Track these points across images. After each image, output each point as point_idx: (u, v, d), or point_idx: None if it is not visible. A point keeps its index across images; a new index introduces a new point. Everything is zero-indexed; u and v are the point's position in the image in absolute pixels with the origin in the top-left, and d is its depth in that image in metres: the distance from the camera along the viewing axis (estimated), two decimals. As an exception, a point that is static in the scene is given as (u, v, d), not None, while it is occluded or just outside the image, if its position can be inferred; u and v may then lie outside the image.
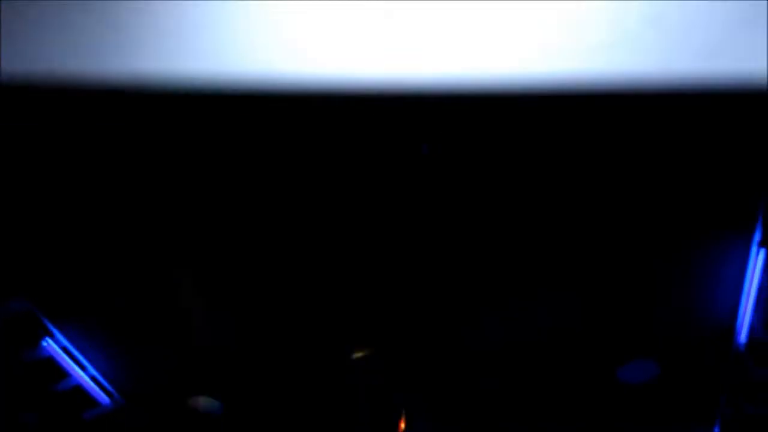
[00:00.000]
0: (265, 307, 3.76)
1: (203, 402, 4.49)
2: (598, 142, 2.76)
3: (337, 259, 3.45)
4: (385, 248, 3.33)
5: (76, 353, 4.15)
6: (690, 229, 3.15)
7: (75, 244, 3.45)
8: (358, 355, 1.85)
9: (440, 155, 2.72)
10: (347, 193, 3.05)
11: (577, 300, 3.57)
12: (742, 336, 3.49)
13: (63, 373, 4.09)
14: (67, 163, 3.02)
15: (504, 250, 3.30)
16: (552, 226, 3.16)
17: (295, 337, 3.96)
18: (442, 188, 2.89)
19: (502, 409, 4.38)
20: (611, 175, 2.89)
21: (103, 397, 4.36)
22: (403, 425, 1.86)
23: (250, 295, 3.69)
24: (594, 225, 3.14)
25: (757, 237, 3.12)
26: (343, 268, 3.49)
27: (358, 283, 3.56)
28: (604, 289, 3.50)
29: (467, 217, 3.13)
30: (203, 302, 3.77)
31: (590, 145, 2.77)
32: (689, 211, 3.08)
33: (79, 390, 4.20)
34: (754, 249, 3.17)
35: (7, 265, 3.66)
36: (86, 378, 4.23)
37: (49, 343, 3.98)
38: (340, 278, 3.55)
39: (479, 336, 3.79)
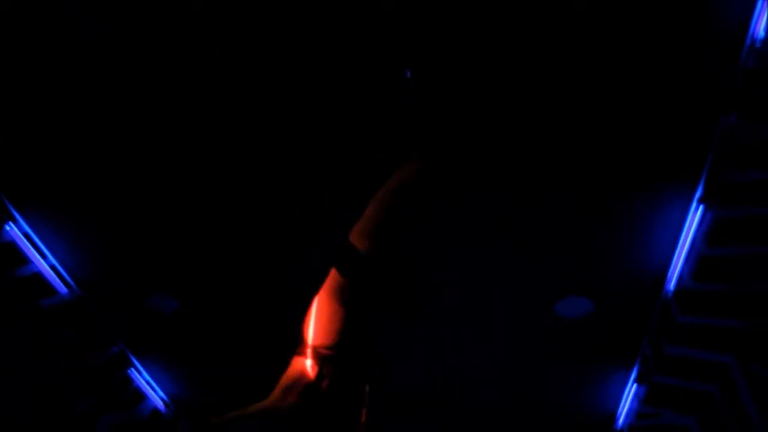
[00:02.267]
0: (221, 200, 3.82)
1: (158, 299, 4.61)
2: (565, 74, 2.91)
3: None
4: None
5: (37, 241, 4.21)
6: (635, 178, 3.36)
7: (42, 125, 3.46)
8: None
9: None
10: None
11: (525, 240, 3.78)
12: (671, 284, 3.77)
13: (24, 259, 4.16)
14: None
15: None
16: (514, 158, 3.32)
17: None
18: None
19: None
20: (566, 114, 3.05)
21: (61, 287, 4.45)
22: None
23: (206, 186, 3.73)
24: (543, 163, 3.30)
25: (698, 193, 3.35)
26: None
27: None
28: (552, 229, 3.71)
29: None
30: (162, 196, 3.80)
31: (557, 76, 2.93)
32: (635, 160, 3.27)
33: (39, 277, 4.28)
34: (693, 204, 3.41)
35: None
36: (46, 266, 4.31)
37: (12, 228, 4.03)
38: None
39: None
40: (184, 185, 3.75)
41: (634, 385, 4.67)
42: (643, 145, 3.24)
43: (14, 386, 4.29)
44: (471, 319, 4.37)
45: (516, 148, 3.25)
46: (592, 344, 4.48)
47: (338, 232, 2.39)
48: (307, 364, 2.04)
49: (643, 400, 4.57)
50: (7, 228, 3.99)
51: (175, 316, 4.68)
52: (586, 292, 4.08)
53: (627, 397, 4.85)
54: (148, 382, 5.47)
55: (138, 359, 5.30)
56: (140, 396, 5.42)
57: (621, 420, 5.06)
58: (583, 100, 3.02)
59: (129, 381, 5.27)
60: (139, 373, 5.36)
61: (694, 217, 3.43)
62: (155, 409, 5.62)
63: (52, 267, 4.35)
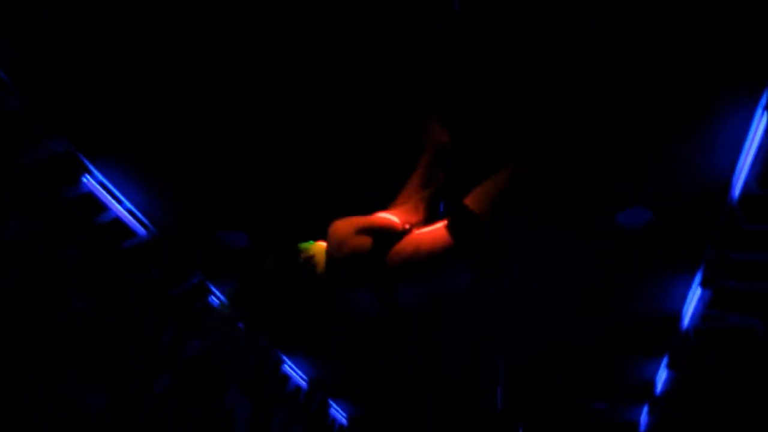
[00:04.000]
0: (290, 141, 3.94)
1: (231, 235, 4.86)
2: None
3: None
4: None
5: (113, 188, 4.45)
6: (698, 85, 3.26)
7: (109, 80, 3.60)
8: None
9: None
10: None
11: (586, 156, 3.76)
12: (737, 191, 3.71)
13: (102, 206, 4.43)
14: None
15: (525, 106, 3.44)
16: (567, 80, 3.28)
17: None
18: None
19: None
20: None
21: (139, 229, 4.73)
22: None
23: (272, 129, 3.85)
24: (603, 78, 3.24)
25: (763, 100, 3.23)
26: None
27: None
28: (610, 140, 3.67)
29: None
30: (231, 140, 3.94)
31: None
32: (696, 66, 3.16)
33: (118, 222, 4.56)
34: (758, 110, 3.30)
35: (43, 105, 3.85)
36: (123, 211, 4.58)
37: (88, 180, 4.27)
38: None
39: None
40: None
41: (699, 289, 4.70)
42: (706, 52, 3.12)
43: (109, 324, 4.68)
44: (538, 235, 4.44)
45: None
46: (656, 252, 4.49)
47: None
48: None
49: (708, 304, 4.60)
50: (84, 180, 4.23)
51: (246, 251, 4.93)
52: (648, 203, 4.06)
53: (692, 301, 4.89)
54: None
55: (217, 287, 5.64)
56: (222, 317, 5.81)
57: (686, 321, 5.12)
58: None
59: (211, 307, 5.65)
60: (220, 299, 5.72)
61: (759, 124, 3.32)
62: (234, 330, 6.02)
63: (129, 211, 4.62)
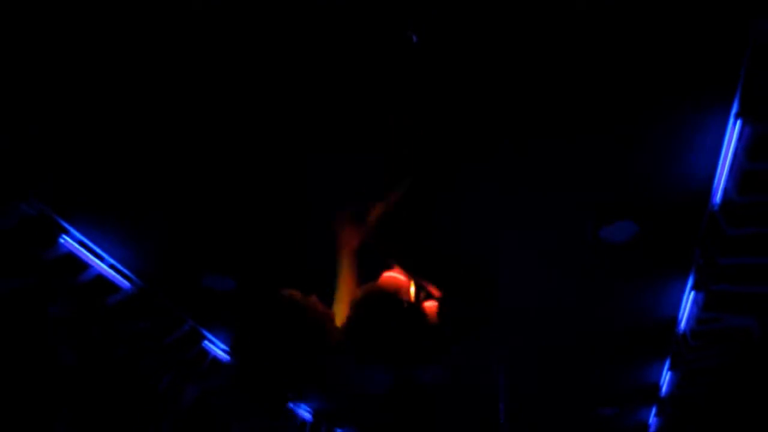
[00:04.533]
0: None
1: (216, 279, 4.81)
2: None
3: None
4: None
5: (93, 246, 4.41)
6: (669, 95, 3.22)
7: (77, 138, 3.56)
8: None
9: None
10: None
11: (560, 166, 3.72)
12: (717, 198, 3.68)
13: (83, 265, 4.38)
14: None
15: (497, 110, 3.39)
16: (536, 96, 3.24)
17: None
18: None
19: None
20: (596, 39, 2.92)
21: (123, 283, 4.68)
22: None
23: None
24: (577, 90, 3.20)
25: (734, 108, 3.20)
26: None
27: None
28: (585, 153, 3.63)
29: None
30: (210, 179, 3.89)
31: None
32: (669, 78, 3.13)
33: (101, 279, 4.51)
34: (731, 119, 3.27)
35: (13, 171, 3.81)
36: (105, 267, 4.53)
37: (66, 240, 4.23)
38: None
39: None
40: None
41: (692, 293, 4.66)
42: (673, 60, 3.08)
43: (98, 379, 4.62)
44: (519, 257, 4.41)
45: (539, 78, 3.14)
46: (644, 261, 4.46)
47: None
48: None
49: (702, 307, 4.56)
50: (62, 240, 4.19)
51: (233, 294, 4.88)
52: (630, 216, 4.03)
53: (686, 304, 4.85)
54: (225, 351, 5.79)
55: (209, 332, 5.60)
56: (218, 364, 5.76)
57: (682, 325, 5.08)
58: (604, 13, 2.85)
59: (205, 353, 5.59)
60: (213, 343, 5.67)
61: (733, 132, 3.30)
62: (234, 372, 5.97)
63: (111, 266, 4.57)
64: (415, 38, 2.93)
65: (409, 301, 2.04)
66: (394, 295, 2.04)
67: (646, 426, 7.43)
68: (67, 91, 3.30)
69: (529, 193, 3.91)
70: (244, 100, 3.32)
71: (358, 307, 1.98)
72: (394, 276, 2.17)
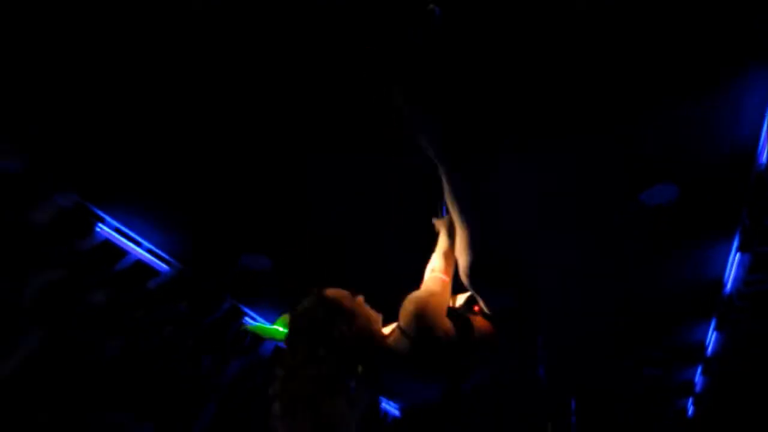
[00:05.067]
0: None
1: (253, 258, 4.83)
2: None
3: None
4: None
5: (129, 232, 4.46)
6: (714, 58, 3.08)
7: (106, 124, 3.57)
8: None
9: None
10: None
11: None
12: (763, 157, 3.52)
13: (121, 251, 4.44)
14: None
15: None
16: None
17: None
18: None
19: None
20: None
21: (161, 266, 4.74)
22: None
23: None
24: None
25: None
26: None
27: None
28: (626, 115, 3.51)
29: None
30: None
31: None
32: (714, 41, 2.99)
33: (139, 264, 4.57)
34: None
35: (43, 162, 3.85)
36: (143, 252, 4.59)
37: (101, 228, 4.28)
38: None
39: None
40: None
41: (738, 254, 4.51)
42: (719, 23, 2.93)
43: (142, 366, 4.72)
44: (560, 225, 4.32)
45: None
46: (688, 224, 4.32)
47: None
48: None
49: (748, 268, 4.42)
50: (98, 229, 4.24)
51: (270, 272, 4.90)
52: (672, 178, 3.89)
53: (732, 266, 4.70)
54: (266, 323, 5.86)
55: (249, 308, 5.66)
56: (260, 340, 5.82)
57: (728, 286, 4.94)
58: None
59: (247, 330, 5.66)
60: (254, 320, 5.73)
61: (780, 88, 3.12)
62: (277, 347, 6.04)
63: (149, 251, 4.62)
64: (438, 11, 2.81)
65: (463, 313, 1.95)
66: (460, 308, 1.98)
67: (692, 385, 7.32)
68: (91, 80, 3.29)
69: (568, 160, 3.80)
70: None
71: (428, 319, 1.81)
72: (442, 278, 2.03)
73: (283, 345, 1.82)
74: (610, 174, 3.91)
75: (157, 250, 4.68)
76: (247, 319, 5.63)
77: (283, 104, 3.44)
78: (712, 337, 6.01)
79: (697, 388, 7.25)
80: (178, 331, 5.13)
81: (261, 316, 5.78)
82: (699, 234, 4.52)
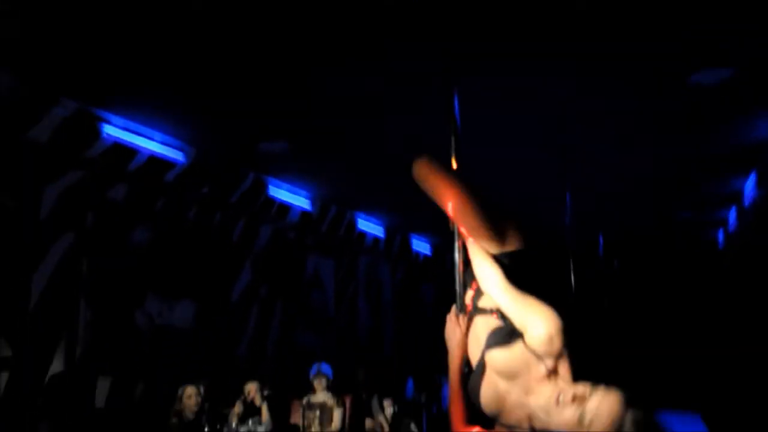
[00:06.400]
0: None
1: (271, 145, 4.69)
2: None
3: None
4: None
5: (138, 128, 4.31)
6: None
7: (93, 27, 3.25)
8: None
9: None
10: None
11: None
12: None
13: (132, 150, 4.33)
14: None
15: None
16: None
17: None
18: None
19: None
20: None
21: (177, 157, 4.64)
22: None
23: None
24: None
25: None
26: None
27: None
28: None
29: None
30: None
31: None
32: None
33: (154, 159, 4.48)
34: None
35: (37, 76, 3.62)
36: (156, 146, 4.47)
37: (108, 131, 4.14)
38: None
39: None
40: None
41: None
42: None
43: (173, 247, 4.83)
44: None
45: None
46: (736, 101, 3.98)
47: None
48: None
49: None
50: (105, 133, 4.10)
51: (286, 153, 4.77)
52: (725, 59, 3.51)
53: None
54: (289, 192, 5.88)
55: (273, 178, 5.62)
56: (285, 208, 5.88)
57: None
58: None
59: (271, 200, 5.69)
60: (277, 188, 5.73)
61: None
62: (303, 212, 6.11)
63: (162, 143, 4.50)
64: None
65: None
66: None
67: (726, 224, 7.27)
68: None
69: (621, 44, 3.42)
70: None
71: None
72: None
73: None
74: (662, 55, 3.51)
75: (170, 141, 4.55)
76: (270, 190, 5.62)
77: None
78: (750, 188, 5.83)
79: (730, 229, 7.22)
80: (204, 213, 5.17)
81: (285, 184, 5.76)
82: (748, 110, 4.19)
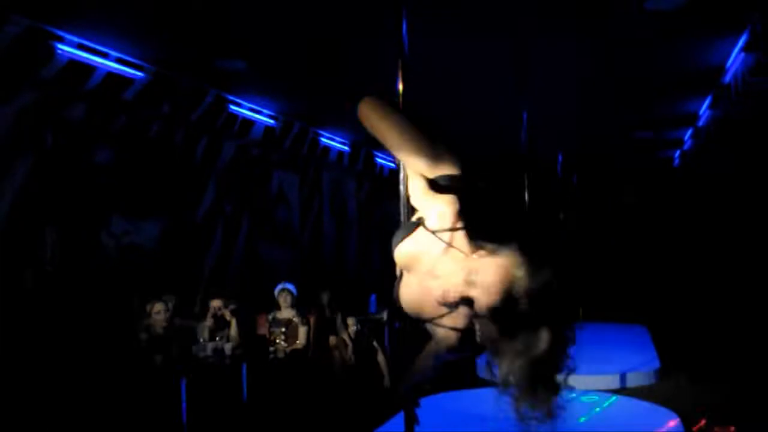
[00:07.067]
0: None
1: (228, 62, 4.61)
2: None
3: None
4: None
5: (93, 45, 4.19)
6: None
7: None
8: None
9: None
10: None
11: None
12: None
13: (89, 68, 4.23)
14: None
15: None
16: None
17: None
18: None
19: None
20: None
21: (136, 74, 4.54)
22: None
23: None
24: None
25: None
26: None
27: None
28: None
29: None
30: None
31: None
32: None
33: (112, 76, 4.38)
34: None
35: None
36: (113, 63, 4.37)
37: (62, 48, 4.02)
38: None
39: None
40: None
41: (742, 54, 4.26)
42: None
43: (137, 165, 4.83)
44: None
45: None
46: (694, 25, 4.02)
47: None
48: None
49: (750, 68, 4.22)
50: (59, 51, 3.99)
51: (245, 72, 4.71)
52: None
53: (736, 62, 4.48)
54: (252, 109, 5.83)
55: (234, 96, 5.55)
56: (249, 123, 5.85)
57: (728, 77, 4.76)
58: None
59: (234, 116, 5.65)
60: (239, 105, 5.68)
61: None
62: (266, 128, 6.09)
63: (119, 60, 4.40)
64: None
65: None
66: None
67: (682, 143, 7.46)
68: None
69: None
70: None
71: None
72: None
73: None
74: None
75: (128, 58, 4.44)
76: (231, 106, 5.57)
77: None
78: (704, 110, 5.97)
79: (685, 146, 7.41)
80: (166, 131, 5.14)
81: (245, 101, 5.70)
82: (704, 34, 4.23)
